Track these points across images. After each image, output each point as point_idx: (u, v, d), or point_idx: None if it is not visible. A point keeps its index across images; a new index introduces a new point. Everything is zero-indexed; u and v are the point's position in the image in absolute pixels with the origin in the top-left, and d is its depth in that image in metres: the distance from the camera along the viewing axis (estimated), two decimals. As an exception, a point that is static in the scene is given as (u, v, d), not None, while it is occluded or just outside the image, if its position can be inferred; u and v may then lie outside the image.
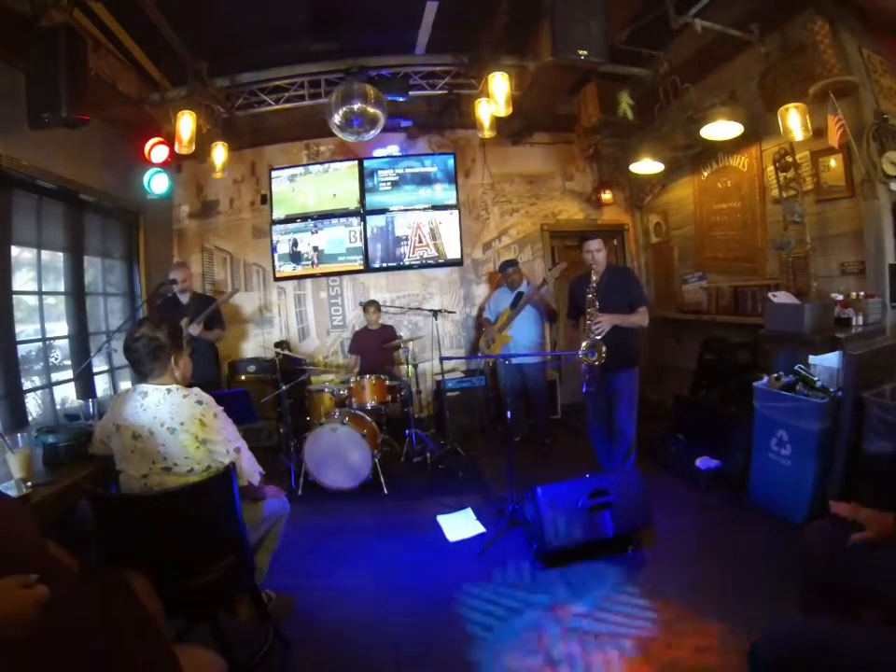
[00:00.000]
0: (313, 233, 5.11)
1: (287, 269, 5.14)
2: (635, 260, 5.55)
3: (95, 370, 3.73)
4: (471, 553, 2.64)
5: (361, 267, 5.15)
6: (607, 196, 5.38)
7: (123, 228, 4.34)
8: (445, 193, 5.17)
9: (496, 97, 3.57)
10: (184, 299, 3.81)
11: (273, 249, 5.12)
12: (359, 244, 5.12)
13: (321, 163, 5.16)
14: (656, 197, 5.10)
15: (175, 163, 4.39)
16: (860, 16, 2.94)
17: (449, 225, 5.18)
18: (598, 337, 3.01)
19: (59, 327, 3.59)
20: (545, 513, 2.39)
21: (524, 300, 4.08)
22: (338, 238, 5.13)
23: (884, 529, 1.26)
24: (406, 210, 5.15)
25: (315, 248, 5.12)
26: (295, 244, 5.11)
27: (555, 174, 5.46)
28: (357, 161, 5.11)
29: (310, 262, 5.13)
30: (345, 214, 5.12)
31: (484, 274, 5.37)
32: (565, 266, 3.98)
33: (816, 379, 2.70)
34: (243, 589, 1.91)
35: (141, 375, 1.79)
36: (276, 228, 5.10)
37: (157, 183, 4.18)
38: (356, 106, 3.71)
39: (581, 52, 2.83)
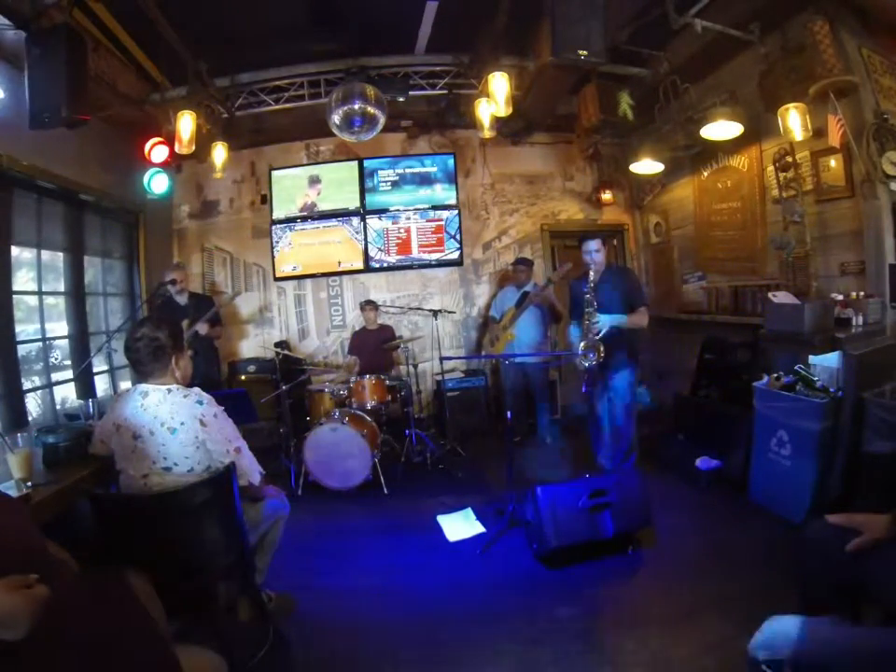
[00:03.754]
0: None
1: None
2: (635, 260, 5.55)
3: (95, 370, 3.73)
4: (471, 553, 2.64)
5: (361, 267, 5.15)
6: (607, 196, 5.37)
7: (123, 228, 4.35)
8: (445, 193, 5.17)
9: (496, 97, 3.57)
10: (181, 300, 3.81)
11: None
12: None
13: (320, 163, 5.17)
14: (656, 197, 5.10)
15: (174, 163, 4.38)
16: (860, 16, 2.94)
17: (449, 225, 5.18)
18: (597, 338, 3.02)
19: (59, 327, 3.59)
20: (545, 513, 2.39)
21: (527, 299, 4.09)
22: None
23: (880, 530, 1.26)
24: (406, 210, 5.16)
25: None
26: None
27: (555, 174, 5.46)
28: (357, 161, 5.11)
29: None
30: (346, 214, 5.13)
31: (484, 274, 5.37)
32: (569, 267, 3.95)
33: (816, 379, 2.70)
34: (243, 589, 1.91)
35: (141, 375, 1.79)
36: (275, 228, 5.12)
37: (157, 183, 4.18)
38: (356, 106, 3.70)
39: (580, 52, 2.82)
